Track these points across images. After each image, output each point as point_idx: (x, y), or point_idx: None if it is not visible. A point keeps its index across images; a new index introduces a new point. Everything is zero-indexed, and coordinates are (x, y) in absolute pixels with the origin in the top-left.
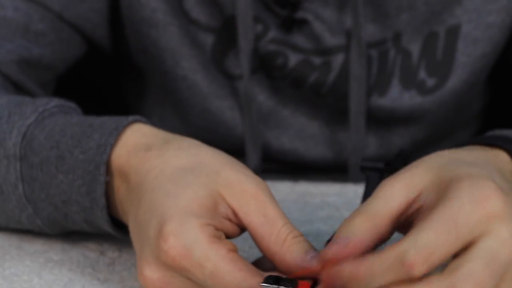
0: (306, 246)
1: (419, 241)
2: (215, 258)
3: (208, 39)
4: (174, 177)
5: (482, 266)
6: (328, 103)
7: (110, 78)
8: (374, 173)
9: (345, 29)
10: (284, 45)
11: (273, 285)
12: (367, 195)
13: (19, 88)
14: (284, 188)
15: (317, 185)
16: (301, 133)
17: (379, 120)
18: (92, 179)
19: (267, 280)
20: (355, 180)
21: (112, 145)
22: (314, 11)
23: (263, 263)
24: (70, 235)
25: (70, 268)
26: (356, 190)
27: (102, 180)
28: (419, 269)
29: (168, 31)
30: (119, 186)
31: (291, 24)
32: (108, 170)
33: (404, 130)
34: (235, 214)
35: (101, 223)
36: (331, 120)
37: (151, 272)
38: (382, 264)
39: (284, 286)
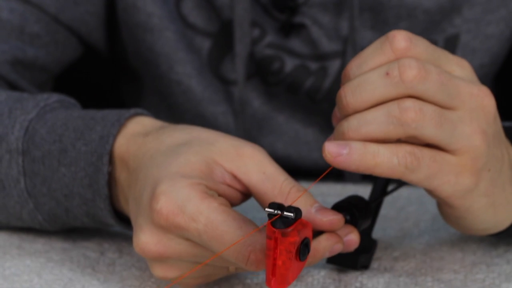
0: (311, 199)
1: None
2: (207, 211)
3: (205, 44)
4: (167, 151)
5: None
6: (323, 110)
7: (108, 80)
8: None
9: (342, 35)
10: (281, 50)
11: (277, 211)
12: (373, 196)
13: (13, 88)
14: None
15: (318, 185)
16: (295, 140)
17: None
18: (94, 170)
19: (271, 205)
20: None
21: (115, 136)
22: (313, 16)
23: None
24: (71, 235)
25: (71, 268)
26: (357, 190)
27: (105, 170)
28: (400, 40)
29: (163, 35)
30: (120, 174)
31: (289, 28)
32: (111, 161)
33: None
34: (234, 177)
35: (103, 215)
36: (326, 127)
37: (146, 239)
38: (369, 49)
39: (288, 212)
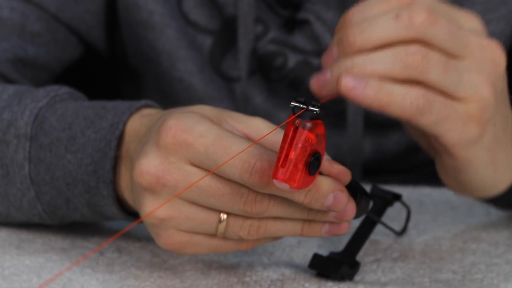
0: None
1: None
2: (216, 129)
3: (207, 41)
4: (183, 108)
5: None
6: (326, 105)
7: (107, 80)
8: (381, 200)
9: None
10: (284, 46)
11: (302, 105)
12: (369, 216)
13: None
14: None
15: None
16: None
17: (375, 125)
18: (101, 156)
19: (297, 100)
20: None
21: (125, 122)
22: (316, 12)
23: None
24: (70, 235)
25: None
26: None
27: (112, 155)
28: None
29: (165, 33)
30: (129, 145)
31: (292, 24)
32: (120, 142)
33: (399, 136)
34: (245, 137)
35: (105, 203)
36: (328, 124)
37: (148, 160)
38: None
39: (312, 107)
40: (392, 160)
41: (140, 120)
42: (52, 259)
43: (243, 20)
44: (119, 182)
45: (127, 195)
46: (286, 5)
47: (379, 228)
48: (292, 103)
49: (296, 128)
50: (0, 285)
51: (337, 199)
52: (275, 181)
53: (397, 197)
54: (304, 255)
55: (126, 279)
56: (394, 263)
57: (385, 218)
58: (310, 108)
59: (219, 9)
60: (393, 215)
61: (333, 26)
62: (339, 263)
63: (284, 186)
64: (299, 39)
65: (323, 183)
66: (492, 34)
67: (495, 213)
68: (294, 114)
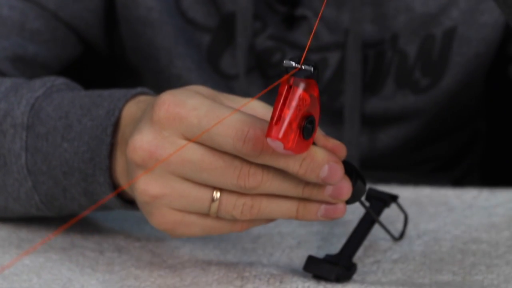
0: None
1: None
2: (209, 102)
3: (205, 39)
4: (177, 89)
5: None
6: (323, 101)
7: (105, 78)
8: (379, 202)
9: (343, 27)
10: (282, 42)
11: (296, 64)
12: (366, 218)
13: None
14: None
15: None
16: None
17: (372, 120)
18: (98, 143)
19: (290, 59)
20: None
21: (121, 109)
22: (314, 8)
23: None
24: (69, 234)
25: (69, 267)
26: None
27: (108, 141)
28: None
29: (163, 30)
30: (125, 128)
31: (291, 21)
32: (115, 132)
33: (397, 131)
34: None
35: (102, 191)
36: (325, 121)
37: (142, 136)
38: None
39: (306, 65)
40: (389, 155)
41: (136, 105)
42: (52, 258)
43: (242, 16)
44: (115, 167)
45: (123, 181)
46: (284, 2)
47: (379, 229)
48: (285, 61)
49: (290, 87)
50: (0, 285)
51: (332, 171)
52: (268, 139)
53: (393, 198)
54: (303, 256)
55: (126, 279)
56: (394, 264)
57: (384, 220)
58: (303, 67)
59: (217, 6)
60: (392, 217)
61: (331, 22)
62: (334, 265)
63: (278, 145)
64: (297, 35)
65: (318, 153)
66: (485, 24)
67: (496, 213)
68: (287, 73)
